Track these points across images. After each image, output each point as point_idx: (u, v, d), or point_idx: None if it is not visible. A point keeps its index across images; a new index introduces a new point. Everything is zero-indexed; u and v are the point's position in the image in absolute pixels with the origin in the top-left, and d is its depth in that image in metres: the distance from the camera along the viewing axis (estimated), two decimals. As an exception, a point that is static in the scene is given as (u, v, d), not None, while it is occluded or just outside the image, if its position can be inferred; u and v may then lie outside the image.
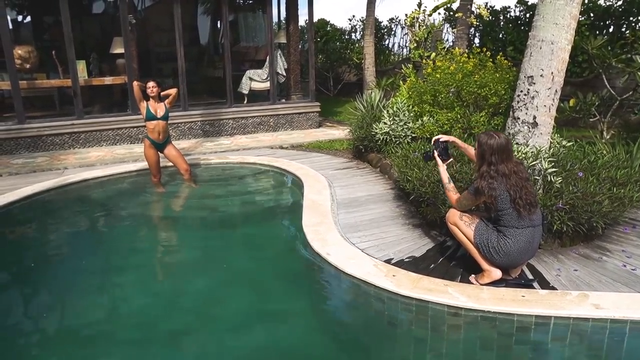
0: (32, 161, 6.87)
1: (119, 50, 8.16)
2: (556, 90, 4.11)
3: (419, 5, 8.45)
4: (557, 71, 4.05)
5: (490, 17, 10.64)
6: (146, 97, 5.54)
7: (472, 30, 10.92)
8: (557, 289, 3.25)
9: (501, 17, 10.84)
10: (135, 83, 5.48)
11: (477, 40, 11.55)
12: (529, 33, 4.20)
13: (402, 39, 14.37)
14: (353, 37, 14.78)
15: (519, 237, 3.15)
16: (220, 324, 3.23)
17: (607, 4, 8.81)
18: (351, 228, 4.36)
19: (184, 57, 8.27)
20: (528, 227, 3.16)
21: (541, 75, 4.05)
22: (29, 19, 10.94)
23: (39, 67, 8.36)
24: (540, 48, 4.05)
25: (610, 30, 8.71)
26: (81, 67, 7.98)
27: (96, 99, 8.84)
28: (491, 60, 6.13)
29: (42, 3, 9.90)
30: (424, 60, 7.19)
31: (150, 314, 3.36)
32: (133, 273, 3.98)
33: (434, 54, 7.12)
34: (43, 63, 8.52)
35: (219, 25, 11.92)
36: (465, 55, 6.37)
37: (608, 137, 6.28)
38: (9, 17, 8.04)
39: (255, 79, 9.28)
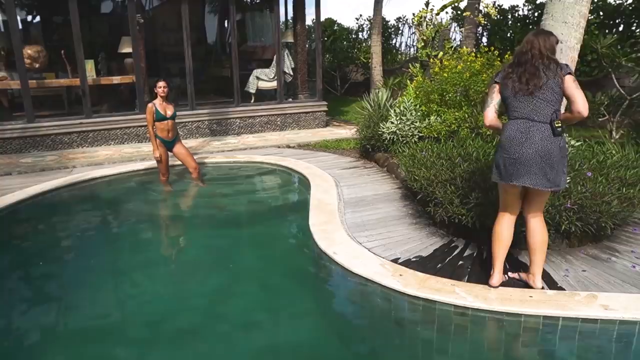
0: (41, 160, 6.93)
1: (127, 49, 8.20)
2: (565, 90, 4.08)
3: (427, 4, 8.44)
4: (566, 70, 4.02)
5: (498, 16, 10.60)
6: (153, 97, 5.55)
7: (479, 29, 10.88)
8: (565, 290, 3.23)
9: (509, 16, 10.79)
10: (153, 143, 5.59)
11: (484, 40, 11.50)
12: (538, 32, 4.16)
13: (409, 38, 14.40)
14: (360, 36, 14.77)
15: (510, 125, 3.07)
16: (228, 322, 3.24)
17: (617, 2, 8.74)
18: (358, 227, 4.36)
19: (192, 57, 8.30)
20: (522, 119, 3.01)
21: (550, 75, 4.02)
22: (38, 19, 11.02)
23: (48, 67, 8.42)
24: (549, 47, 4.01)
25: (620, 29, 8.64)
26: (90, 66, 8.04)
27: (104, 98, 8.89)
28: (499, 59, 6.10)
29: (51, 3, 9.96)
30: (431, 60, 7.18)
31: (157, 312, 3.37)
32: (141, 271, 4.00)
33: (441, 53, 7.11)
34: (52, 62, 8.57)
35: (226, 25, 11.95)
36: (473, 54, 6.34)
37: (617, 136, 6.23)
38: (18, 17, 8.11)
39: (263, 78, 9.30)
